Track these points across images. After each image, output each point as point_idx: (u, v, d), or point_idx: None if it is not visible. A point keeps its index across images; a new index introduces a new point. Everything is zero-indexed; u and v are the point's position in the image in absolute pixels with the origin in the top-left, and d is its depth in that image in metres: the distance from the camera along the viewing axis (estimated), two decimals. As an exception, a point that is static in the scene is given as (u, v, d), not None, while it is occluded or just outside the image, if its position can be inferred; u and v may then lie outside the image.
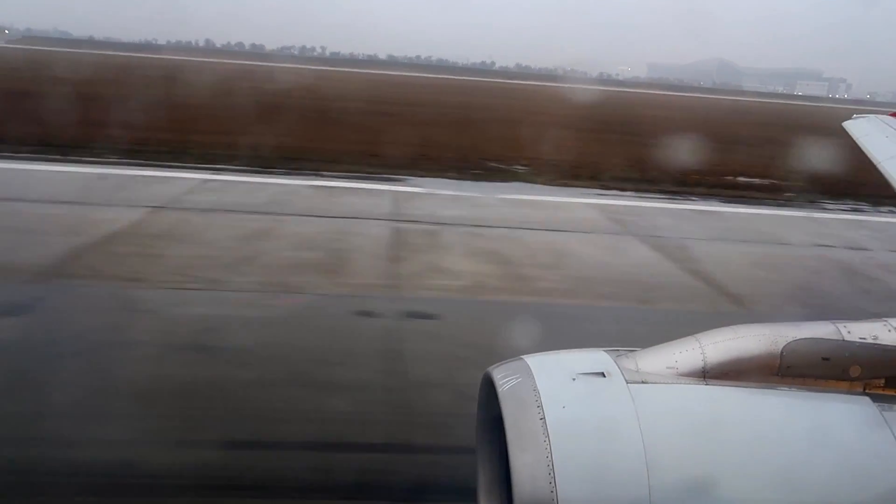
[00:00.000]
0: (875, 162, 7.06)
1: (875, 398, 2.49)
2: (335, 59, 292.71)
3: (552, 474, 2.25)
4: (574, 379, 2.47)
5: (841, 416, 2.46)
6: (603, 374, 2.48)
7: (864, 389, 2.53)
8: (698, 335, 2.62)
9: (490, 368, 2.60)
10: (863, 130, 8.08)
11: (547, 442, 2.29)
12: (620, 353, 2.61)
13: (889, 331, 2.59)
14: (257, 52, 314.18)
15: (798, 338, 2.54)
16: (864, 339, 2.56)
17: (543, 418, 2.34)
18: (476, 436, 2.77)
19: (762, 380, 2.50)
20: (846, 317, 2.68)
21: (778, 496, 2.33)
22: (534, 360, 2.56)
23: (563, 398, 2.41)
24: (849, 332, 2.57)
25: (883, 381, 2.53)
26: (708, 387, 2.48)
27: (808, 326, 2.60)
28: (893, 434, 2.39)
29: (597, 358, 2.57)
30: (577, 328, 9.91)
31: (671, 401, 2.45)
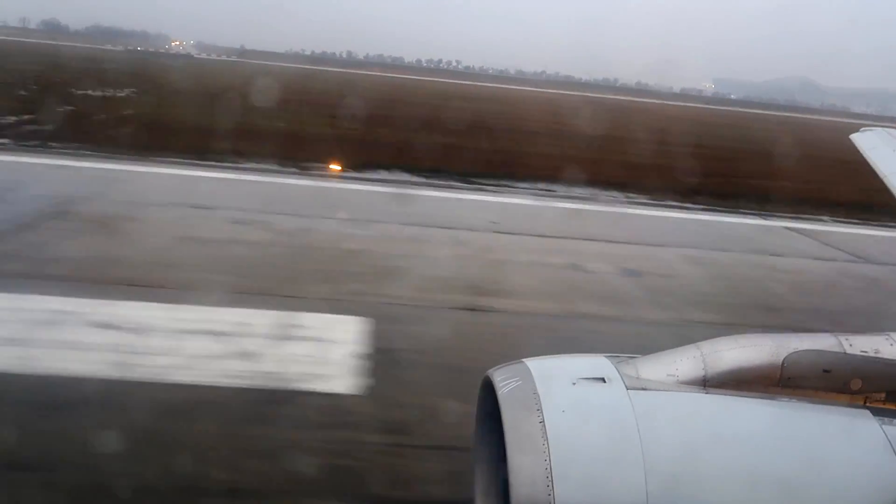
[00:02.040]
0: (881, 175, 6.85)
1: (875, 412, 2.48)
2: (478, 75, 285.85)
3: (550, 478, 2.25)
4: (574, 383, 2.48)
5: (841, 429, 2.45)
6: (603, 380, 2.49)
7: (865, 403, 2.52)
8: (700, 343, 2.62)
9: (490, 371, 2.62)
10: (870, 143, 7.90)
11: (546, 445, 2.30)
12: (621, 359, 2.62)
13: (891, 344, 2.57)
14: (398, 65, 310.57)
15: (799, 349, 2.54)
16: (865, 352, 2.54)
17: (543, 422, 2.34)
18: (474, 437, 2.78)
19: (762, 390, 2.49)
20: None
21: None
22: (534, 364, 2.58)
23: (563, 402, 2.42)
24: (850, 345, 2.55)
25: (884, 395, 2.52)
26: (708, 395, 2.48)
27: (810, 338, 2.59)
28: (893, 448, 2.37)
29: (597, 363, 2.58)
30: None
31: (671, 408, 2.45)
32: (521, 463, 2.29)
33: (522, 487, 2.27)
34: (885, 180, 6.83)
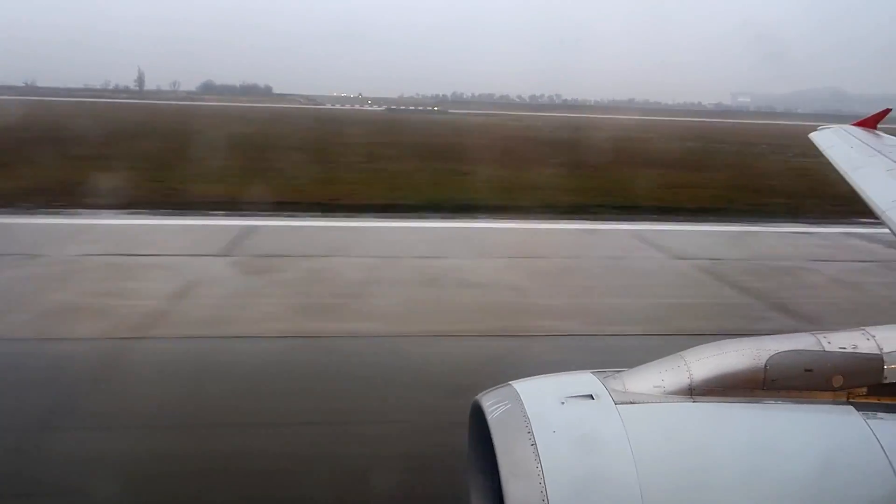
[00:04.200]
0: (842, 172, 6.89)
1: (859, 407, 2.52)
2: (579, 106, 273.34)
3: (546, 500, 2.25)
4: (563, 402, 2.48)
5: (826, 426, 2.48)
6: (591, 397, 2.50)
7: (848, 398, 2.55)
8: (683, 353, 2.65)
9: (478, 396, 2.62)
10: (828, 141, 8.03)
11: (539, 467, 2.29)
12: (607, 374, 2.63)
13: (867, 339, 2.61)
14: (518, 103, 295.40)
15: (780, 350, 2.57)
16: (844, 348, 2.58)
17: (535, 443, 2.34)
18: (467, 464, 2.76)
19: (748, 394, 2.52)
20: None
21: None
22: (522, 386, 2.58)
23: (553, 422, 2.42)
24: (829, 343, 2.59)
25: (865, 389, 2.55)
26: (695, 404, 2.50)
27: (789, 339, 2.63)
28: (878, 441, 2.39)
29: (584, 380, 2.59)
30: None
31: (660, 420, 2.47)
32: (515, 488, 2.28)
33: None
34: (846, 177, 6.95)
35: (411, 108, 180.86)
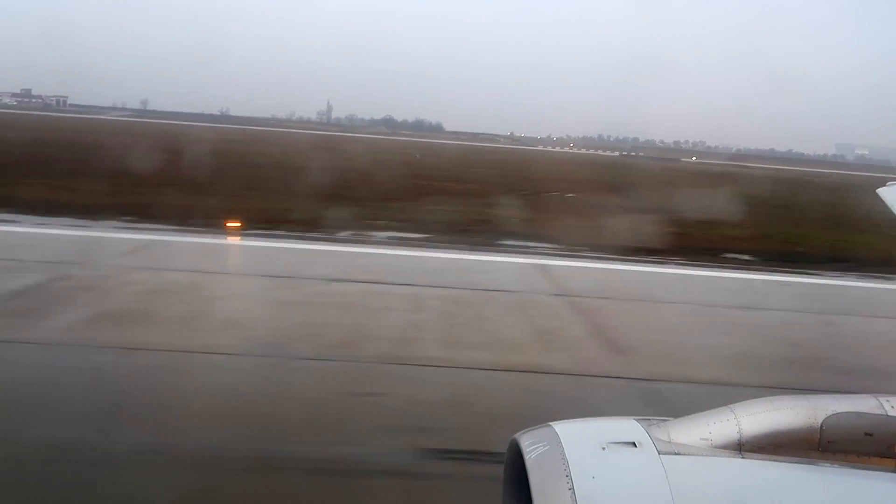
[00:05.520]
0: None
1: None
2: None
3: None
4: (604, 448, 2.40)
5: (885, 495, 2.32)
6: (634, 444, 2.41)
7: None
8: (733, 406, 2.54)
9: (517, 434, 2.57)
10: None
11: None
12: (652, 422, 2.55)
13: None
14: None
15: (839, 411, 2.44)
16: None
17: (572, 488, 2.26)
18: (502, 500, 2.71)
19: (801, 454, 2.39)
20: None
21: None
22: (562, 428, 2.52)
23: (593, 468, 2.34)
24: (892, 407, 2.44)
25: None
26: (744, 460, 2.39)
27: (849, 399, 2.50)
28: None
29: (628, 427, 2.51)
30: None
31: (705, 474, 2.36)
32: None
33: None
34: None
35: (640, 154, 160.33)
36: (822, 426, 2.41)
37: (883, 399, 2.48)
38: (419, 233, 23.51)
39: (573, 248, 21.76)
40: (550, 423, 2.57)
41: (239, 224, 20.19)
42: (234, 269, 16.77)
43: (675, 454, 2.40)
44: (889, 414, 2.43)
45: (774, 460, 2.39)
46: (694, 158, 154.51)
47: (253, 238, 19.96)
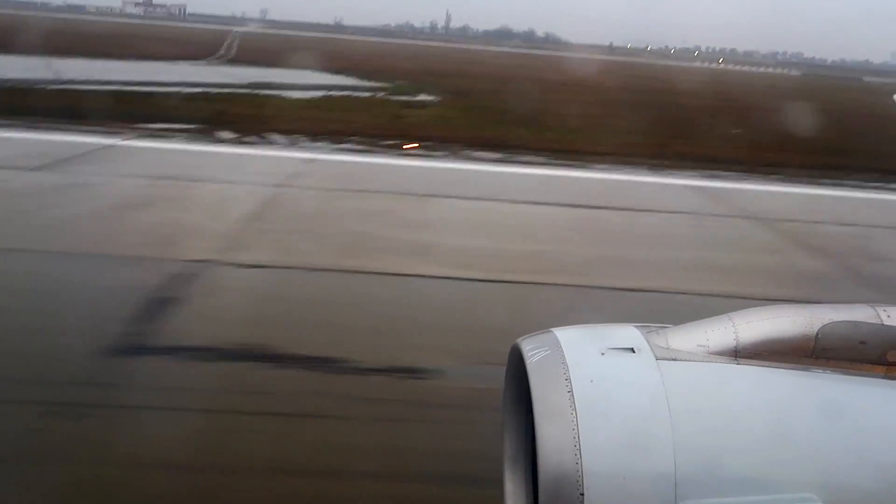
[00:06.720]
0: None
1: None
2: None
3: (578, 447, 2.25)
4: (603, 353, 2.46)
5: (876, 399, 2.40)
6: (632, 350, 2.47)
7: None
8: (732, 314, 2.58)
9: (519, 340, 2.62)
10: None
11: (574, 415, 2.29)
12: (651, 329, 2.59)
13: None
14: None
15: (835, 320, 2.48)
16: None
17: (571, 391, 2.33)
18: (503, 407, 2.80)
19: (795, 361, 2.45)
20: None
21: (805, 479, 2.30)
22: (563, 334, 2.57)
23: (592, 372, 2.41)
24: (888, 317, 2.48)
25: None
26: (739, 366, 2.45)
27: (846, 309, 2.53)
28: None
29: (627, 333, 2.56)
30: None
31: (700, 379, 2.43)
32: (549, 432, 2.30)
33: (550, 456, 2.27)
34: None
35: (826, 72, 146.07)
36: (817, 334, 2.46)
37: (880, 309, 2.51)
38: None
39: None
40: (552, 329, 2.63)
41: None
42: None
43: (672, 360, 2.46)
44: (885, 323, 2.47)
45: (768, 366, 2.45)
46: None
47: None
